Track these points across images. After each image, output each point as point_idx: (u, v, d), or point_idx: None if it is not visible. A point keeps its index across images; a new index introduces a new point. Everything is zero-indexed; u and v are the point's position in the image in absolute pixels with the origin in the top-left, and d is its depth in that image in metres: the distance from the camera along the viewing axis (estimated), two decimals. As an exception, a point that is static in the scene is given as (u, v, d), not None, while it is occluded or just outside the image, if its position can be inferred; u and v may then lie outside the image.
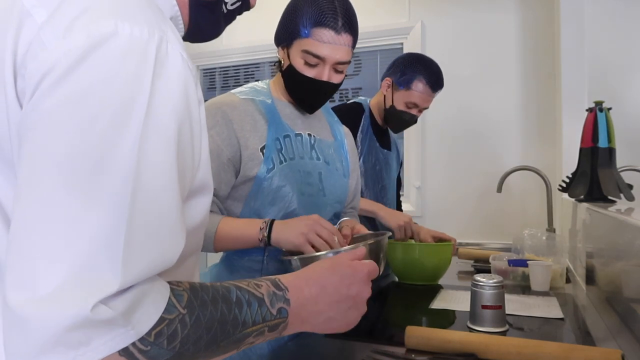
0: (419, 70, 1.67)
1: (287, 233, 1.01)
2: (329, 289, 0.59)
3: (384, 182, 1.83)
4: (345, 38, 1.07)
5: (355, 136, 1.71)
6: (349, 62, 1.12)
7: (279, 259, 1.08)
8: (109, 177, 0.42)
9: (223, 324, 0.49)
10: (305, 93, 1.14)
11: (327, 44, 1.06)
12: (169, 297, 0.46)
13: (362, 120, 1.75)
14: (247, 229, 1.04)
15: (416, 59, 1.72)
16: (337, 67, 1.10)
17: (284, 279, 0.58)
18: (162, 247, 0.46)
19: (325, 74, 1.09)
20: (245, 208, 1.11)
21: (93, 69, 0.43)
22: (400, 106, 1.70)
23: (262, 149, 1.09)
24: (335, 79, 1.12)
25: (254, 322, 0.52)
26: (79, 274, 0.40)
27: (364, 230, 1.16)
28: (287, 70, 1.13)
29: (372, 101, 1.82)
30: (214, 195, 1.07)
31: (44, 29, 0.44)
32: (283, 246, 1.03)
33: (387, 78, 1.74)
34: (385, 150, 1.84)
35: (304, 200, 1.14)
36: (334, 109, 1.74)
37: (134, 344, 0.43)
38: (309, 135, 1.19)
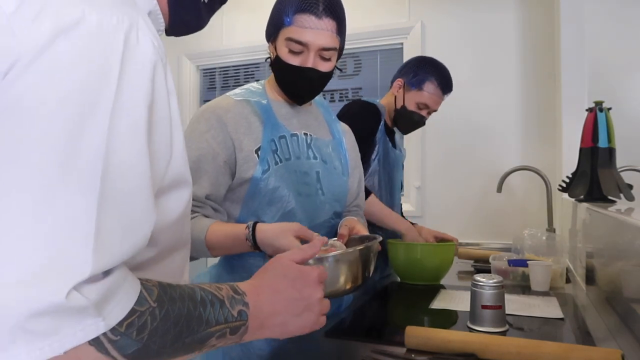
0: (430, 72, 1.71)
1: (267, 249, 0.99)
2: (282, 292, 0.62)
3: (394, 182, 1.84)
4: (327, 23, 1.07)
5: (374, 136, 1.71)
6: (335, 50, 1.12)
7: None
8: (79, 160, 0.42)
9: (189, 320, 0.50)
10: (292, 82, 1.13)
11: (308, 29, 1.06)
12: (140, 291, 0.47)
13: (382, 120, 1.76)
14: (235, 241, 1.03)
15: (428, 62, 1.76)
16: (322, 53, 1.10)
17: (241, 285, 0.60)
18: (133, 229, 0.46)
19: (309, 61, 1.09)
20: (243, 209, 1.11)
21: (60, 54, 0.43)
22: (411, 106, 1.73)
23: (257, 151, 1.09)
24: (323, 66, 1.11)
25: (216, 322, 0.54)
26: (50, 260, 0.40)
27: (362, 231, 1.14)
28: (275, 62, 1.13)
29: (382, 102, 1.82)
30: (210, 199, 1.08)
31: (12, 18, 0.44)
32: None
33: (399, 79, 1.76)
34: (397, 151, 1.85)
35: (302, 201, 1.13)
36: (348, 105, 1.75)
37: (104, 333, 0.43)
38: (305, 134, 1.19)
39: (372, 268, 1.01)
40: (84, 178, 0.42)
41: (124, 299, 0.45)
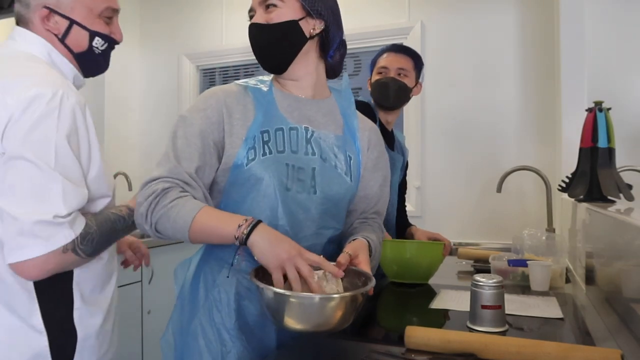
0: (381, 50, 1.90)
1: (266, 252, 0.92)
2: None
3: (391, 182, 1.83)
4: None
5: None
6: None
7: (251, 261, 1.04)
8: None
9: (113, 230, 1.11)
10: (252, 47, 1.16)
11: None
12: (87, 221, 1.04)
13: (377, 118, 1.78)
14: (226, 222, 0.97)
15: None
16: (265, 4, 1.11)
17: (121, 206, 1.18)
18: (78, 197, 1.01)
19: (257, 18, 1.12)
20: (224, 199, 1.09)
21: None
22: (375, 78, 1.86)
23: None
24: (269, 16, 1.11)
25: (127, 226, 1.15)
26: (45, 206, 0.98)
27: (364, 263, 1.01)
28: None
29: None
30: (199, 175, 1.04)
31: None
32: (256, 257, 0.94)
33: (368, 79, 1.93)
34: (392, 152, 1.85)
35: (289, 196, 1.07)
36: None
37: (80, 248, 1.01)
38: (306, 128, 1.14)
39: (355, 313, 0.92)
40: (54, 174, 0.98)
41: (79, 222, 1.02)
